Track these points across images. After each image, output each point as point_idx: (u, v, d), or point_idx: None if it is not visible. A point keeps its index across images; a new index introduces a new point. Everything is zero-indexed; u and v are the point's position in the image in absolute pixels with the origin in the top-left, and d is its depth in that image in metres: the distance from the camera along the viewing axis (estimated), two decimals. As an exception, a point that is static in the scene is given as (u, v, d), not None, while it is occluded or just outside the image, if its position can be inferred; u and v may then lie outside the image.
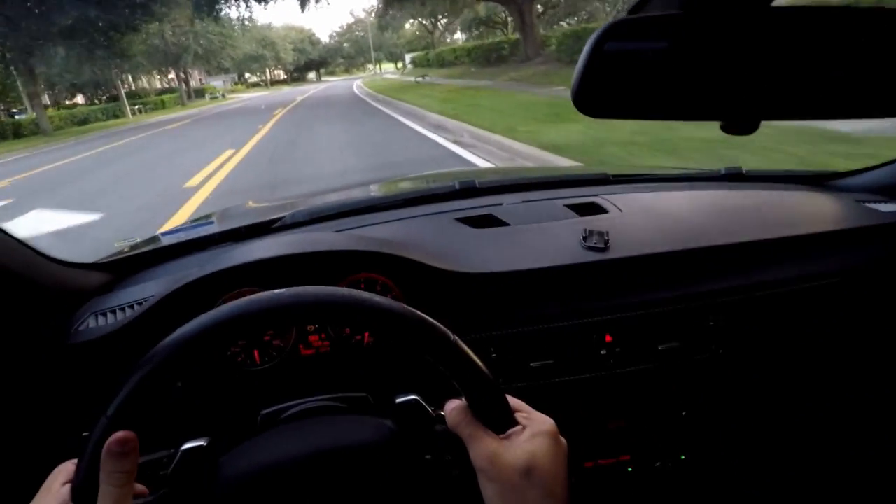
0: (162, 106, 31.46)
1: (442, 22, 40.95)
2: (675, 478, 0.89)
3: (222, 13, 24.42)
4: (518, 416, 0.45)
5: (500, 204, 1.00)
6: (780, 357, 0.86)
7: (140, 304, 0.75)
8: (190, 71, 39.65)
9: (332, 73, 74.06)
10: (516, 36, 21.78)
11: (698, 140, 4.51)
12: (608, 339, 0.79)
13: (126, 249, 1.00)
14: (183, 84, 36.91)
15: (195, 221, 1.24)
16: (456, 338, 0.44)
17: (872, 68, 0.37)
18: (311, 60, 67.85)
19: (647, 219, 0.92)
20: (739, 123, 0.40)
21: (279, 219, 0.99)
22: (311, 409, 0.62)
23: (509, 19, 32.91)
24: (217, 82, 52.16)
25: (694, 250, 0.83)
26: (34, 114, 20.16)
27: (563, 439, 0.45)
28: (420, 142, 7.29)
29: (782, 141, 4.17)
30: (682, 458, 0.88)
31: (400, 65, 58.36)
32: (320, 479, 0.48)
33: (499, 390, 0.45)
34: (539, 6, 24.19)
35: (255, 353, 0.76)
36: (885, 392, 0.93)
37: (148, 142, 12.30)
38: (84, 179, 7.69)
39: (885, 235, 0.88)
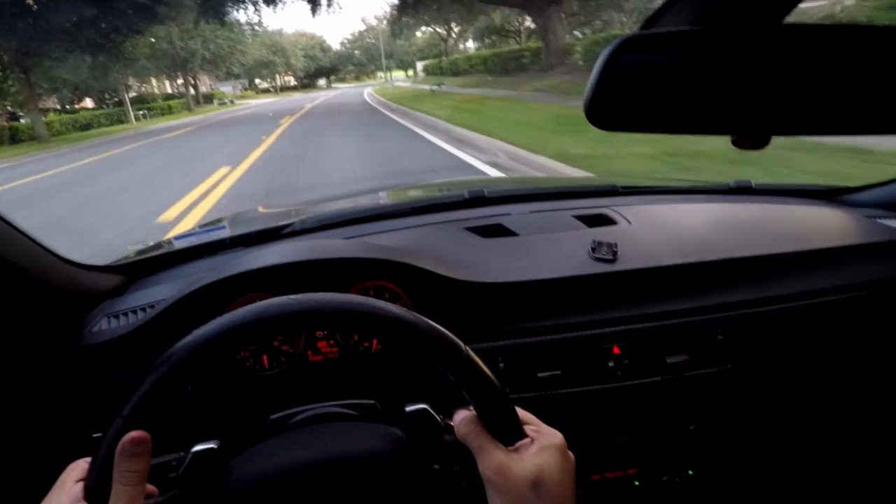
0: (169, 111, 30.68)
1: (455, 30, 40.11)
2: (682, 493, 0.88)
3: (230, 17, 23.59)
4: (527, 428, 0.46)
5: (509, 214, 1.00)
6: (789, 372, 0.85)
7: (152, 307, 0.76)
8: (199, 76, 39.05)
9: (342, 81, 73.65)
10: (536, 44, 20.73)
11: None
12: (616, 350, 0.78)
13: (139, 253, 1.02)
14: (191, 89, 36.27)
15: (206, 226, 1.20)
16: (468, 349, 0.45)
17: (884, 86, 0.37)
18: (321, 67, 67.48)
19: (656, 231, 0.92)
20: (750, 138, 0.41)
21: (289, 225, 0.99)
22: (319, 416, 0.62)
23: (523, 27, 32.44)
24: (227, 88, 51.73)
25: (703, 263, 0.83)
26: (39, 117, 19.30)
27: (571, 454, 0.45)
28: (448, 162, 6.12)
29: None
30: (690, 472, 0.87)
31: (410, 73, 57.89)
32: (329, 486, 0.47)
33: (509, 403, 0.45)
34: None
35: (265, 358, 0.76)
36: (894, 409, 0.91)
37: (140, 153, 11.21)
38: (51, 201, 6.56)
39: (895, 252, 0.89)
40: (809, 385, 0.87)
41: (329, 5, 24.03)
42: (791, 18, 0.38)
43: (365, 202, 1.43)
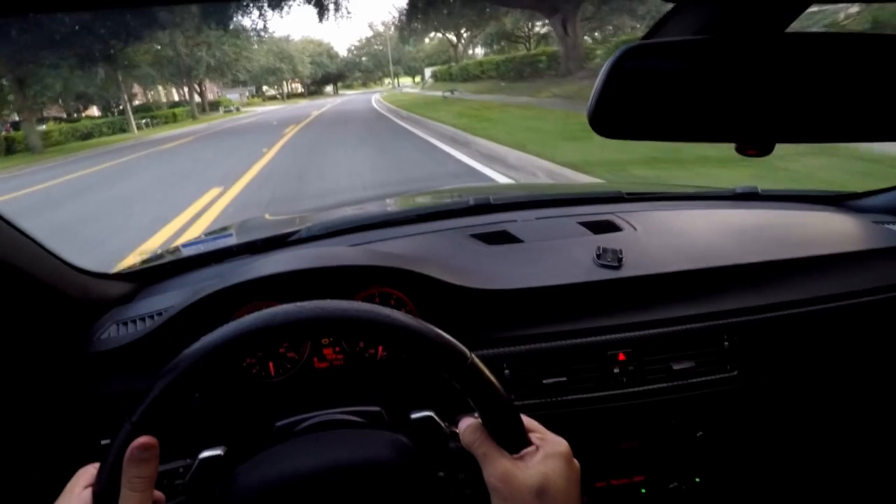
0: (173, 119, 29.99)
1: (465, 35, 39.33)
2: (689, 500, 0.87)
3: (234, 22, 22.89)
4: (532, 436, 0.46)
5: (515, 220, 1.00)
6: (796, 379, 0.84)
7: (160, 314, 0.77)
8: (205, 83, 38.53)
9: (349, 87, 73.24)
10: (553, 48, 19.79)
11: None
12: (622, 357, 0.77)
13: (147, 260, 1.03)
14: (197, 96, 35.73)
15: (213, 234, 1.26)
16: (473, 356, 0.45)
17: (884, 92, 0.37)
18: (328, 74, 66.99)
19: (662, 237, 0.93)
20: (755, 145, 0.41)
21: (295, 232, 1.00)
22: (325, 423, 0.62)
23: (532, 33, 31.64)
24: (233, 95, 51.28)
25: (708, 269, 0.83)
26: (33, 128, 18.54)
27: (576, 461, 0.45)
28: (478, 182, 5.10)
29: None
30: (697, 480, 0.86)
31: (418, 79, 57.35)
32: (335, 493, 0.48)
33: (514, 410, 0.45)
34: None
35: (271, 365, 0.76)
36: None
37: (131, 167, 10.27)
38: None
39: None
40: (817, 391, 0.87)
41: (337, 10, 23.23)
42: (795, 26, 0.39)
43: (370, 209, 1.46)
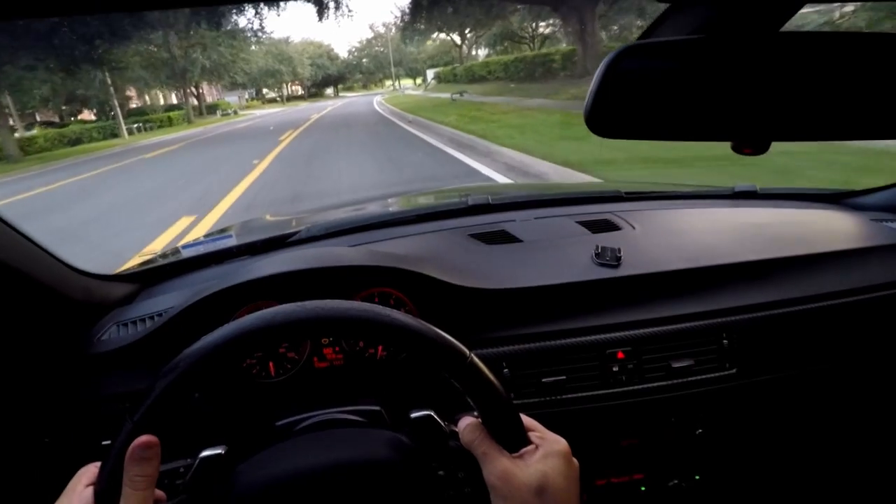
0: (168, 123, 28.80)
1: (469, 35, 38.21)
2: (689, 498, 0.87)
3: (228, 21, 21.72)
4: (531, 435, 0.46)
5: (514, 220, 1.00)
6: (795, 376, 0.83)
7: (160, 315, 0.77)
8: (202, 86, 37.41)
9: (349, 89, 72.20)
10: (569, 47, 18.65)
11: None
12: (620, 355, 0.77)
13: (147, 261, 1.03)
14: (193, 99, 34.64)
15: (214, 235, 1.20)
16: (472, 355, 0.45)
17: (877, 91, 0.38)
18: (328, 76, 65.91)
19: (660, 236, 0.92)
20: (750, 144, 0.41)
21: (295, 233, 1.00)
22: (325, 422, 0.62)
23: (536, 34, 30.56)
24: (232, 98, 50.18)
25: (707, 268, 0.83)
26: (9, 135, 17.35)
27: (575, 460, 0.46)
28: (478, 182, 3.93)
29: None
30: (697, 477, 0.86)
31: (419, 81, 56.43)
32: (335, 492, 0.48)
33: (513, 409, 0.46)
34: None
35: (271, 365, 0.76)
36: None
37: (100, 182, 9.03)
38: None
39: None
40: (816, 388, 0.86)
41: (337, 8, 22.15)
42: (790, 26, 0.39)
43: (370, 209, 1.44)
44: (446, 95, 21.01)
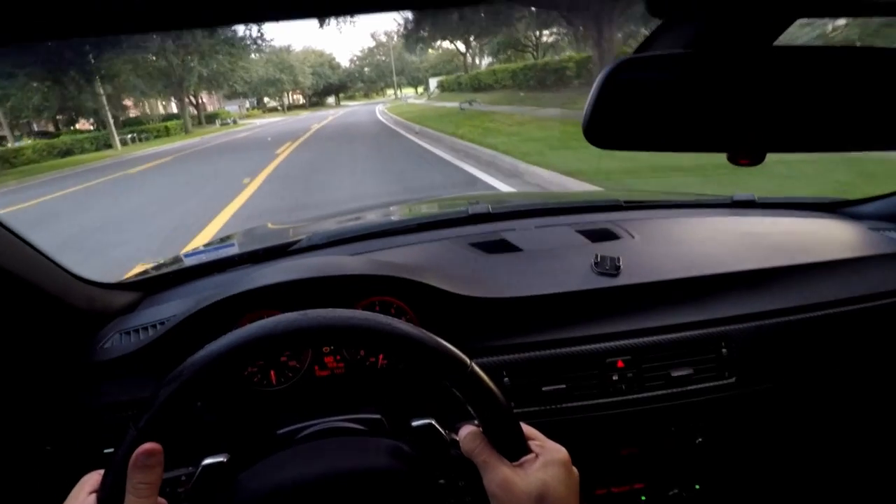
0: (166, 133, 27.91)
1: (473, 43, 37.51)
2: None
3: (221, 29, 20.87)
4: (532, 443, 0.46)
5: (514, 229, 1.01)
6: (794, 384, 0.83)
7: (162, 323, 0.78)
8: (201, 95, 36.64)
9: (351, 98, 71.64)
10: (582, 54, 17.78)
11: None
12: (620, 364, 0.77)
13: (150, 270, 1.02)
14: (192, 108, 33.82)
15: (216, 243, 1.20)
16: (473, 364, 0.45)
17: (868, 103, 0.39)
18: (330, 85, 65.34)
19: (659, 245, 0.93)
20: (746, 155, 0.42)
21: (296, 242, 1.00)
22: (326, 430, 0.62)
23: (540, 42, 29.88)
24: (232, 107, 49.47)
25: (706, 277, 0.83)
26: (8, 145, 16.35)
27: (575, 469, 0.46)
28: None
29: None
30: (697, 487, 0.85)
31: (421, 90, 55.95)
32: (336, 501, 0.48)
33: (514, 418, 0.46)
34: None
35: (272, 373, 0.76)
36: None
37: (65, 204, 7.98)
38: None
39: None
40: (815, 397, 0.86)
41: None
42: (785, 38, 0.40)
43: (372, 218, 1.43)
44: (451, 104, 20.12)
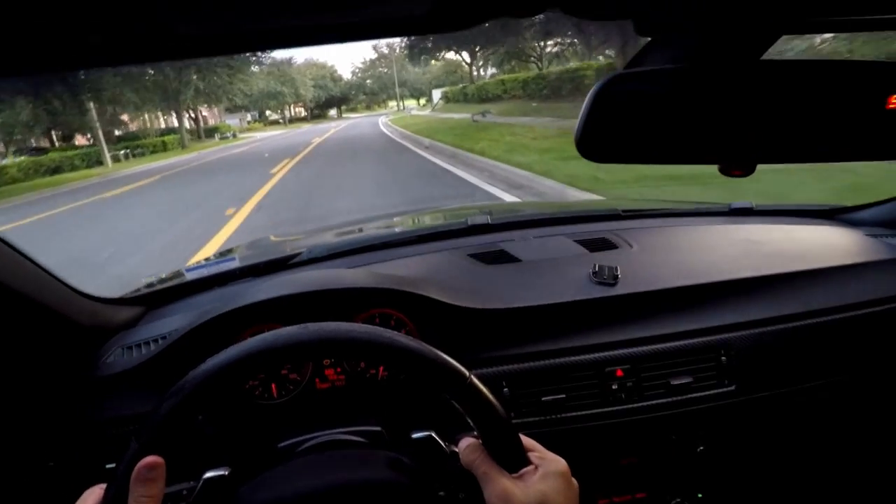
0: (162, 148, 26.87)
1: (479, 53, 36.65)
2: None
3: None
4: (531, 455, 0.46)
5: (512, 240, 1.02)
6: (794, 391, 0.83)
7: (164, 338, 0.78)
8: (200, 108, 35.75)
9: (353, 110, 71.06)
10: (601, 62, 16.71)
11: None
12: (619, 373, 0.78)
13: (151, 284, 1.02)
14: (190, 122, 32.91)
15: (217, 257, 1.24)
16: (472, 376, 0.46)
17: (854, 115, 0.40)
18: (332, 97, 64.71)
19: (657, 254, 0.93)
20: (738, 166, 0.43)
21: (297, 255, 1.01)
22: (327, 443, 0.63)
23: (544, 53, 28.99)
24: (233, 120, 48.67)
25: (704, 285, 0.83)
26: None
27: (574, 480, 0.46)
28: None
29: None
30: (700, 495, 0.85)
31: (423, 101, 55.23)
32: None
33: (513, 430, 0.46)
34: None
35: (273, 386, 0.77)
36: None
37: (20, 237, 6.84)
38: None
39: None
40: (815, 404, 0.86)
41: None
42: (775, 50, 0.40)
43: (372, 230, 1.46)
44: (458, 116, 19.01)
